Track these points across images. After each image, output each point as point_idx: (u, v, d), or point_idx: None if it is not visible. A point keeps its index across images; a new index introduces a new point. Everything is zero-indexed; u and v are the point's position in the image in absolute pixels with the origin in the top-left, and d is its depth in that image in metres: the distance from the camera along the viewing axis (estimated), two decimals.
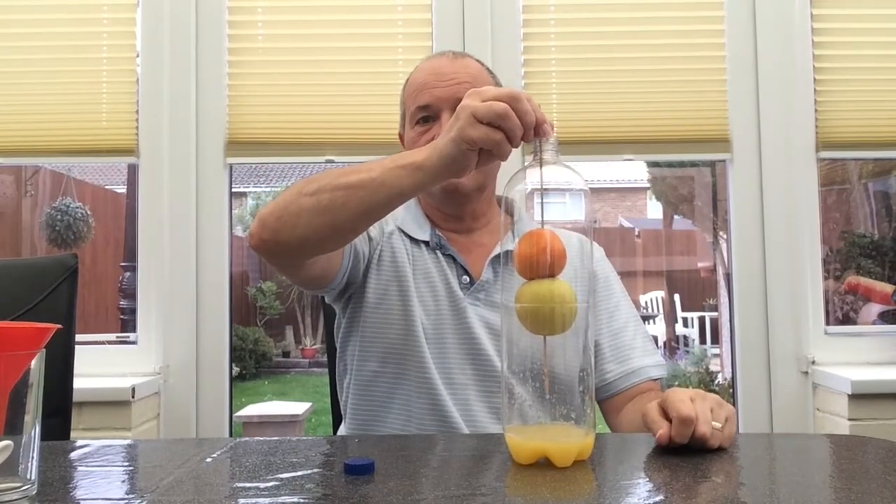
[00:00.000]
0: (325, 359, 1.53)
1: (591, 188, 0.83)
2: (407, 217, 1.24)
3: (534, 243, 0.78)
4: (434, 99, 1.15)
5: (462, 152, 0.86)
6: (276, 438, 0.91)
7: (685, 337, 7.35)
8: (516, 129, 0.83)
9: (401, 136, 1.27)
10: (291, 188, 0.98)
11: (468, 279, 1.18)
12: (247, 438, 0.96)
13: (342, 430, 1.24)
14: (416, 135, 1.18)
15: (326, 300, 1.25)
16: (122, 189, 5.23)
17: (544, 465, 0.75)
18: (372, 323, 1.17)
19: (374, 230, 1.20)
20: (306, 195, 0.95)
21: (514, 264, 0.80)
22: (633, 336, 1.20)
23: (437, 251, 1.20)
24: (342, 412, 1.25)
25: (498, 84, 1.23)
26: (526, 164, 0.82)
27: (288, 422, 4.71)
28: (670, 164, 6.63)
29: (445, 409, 1.11)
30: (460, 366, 1.14)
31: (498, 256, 0.88)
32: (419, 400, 1.13)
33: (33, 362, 0.67)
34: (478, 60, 1.23)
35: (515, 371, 0.80)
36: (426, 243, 1.21)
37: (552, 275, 0.78)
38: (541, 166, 0.81)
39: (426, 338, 1.14)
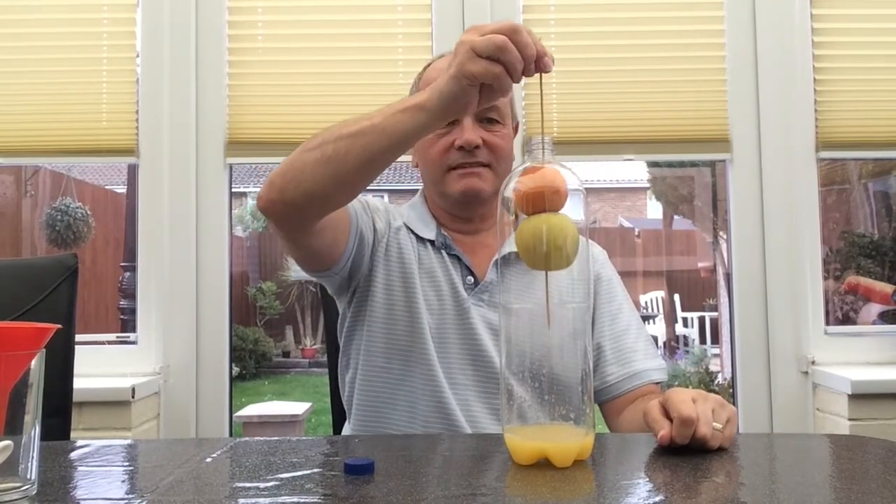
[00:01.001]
0: (325, 359, 1.53)
1: (591, 188, 0.83)
2: (413, 215, 1.24)
3: (535, 178, 0.78)
4: None
5: (463, 88, 0.85)
6: (276, 438, 0.91)
7: (685, 337, 7.35)
8: (516, 61, 0.82)
9: None
10: (298, 147, 0.98)
11: (472, 280, 1.18)
12: (247, 438, 0.96)
13: (347, 427, 1.24)
14: (434, 137, 1.16)
15: (329, 291, 1.24)
16: (122, 189, 5.24)
17: (544, 465, 0.75)
18: (379, 317, 1.16)
19: (380, 222, 1.20)
20: (310, 149, 0.95)
21: (515, 201, 0.79)
22: (635, 339, 1.20)
23: (443, 251, 1.20)
24: (346, 408, 1.24)
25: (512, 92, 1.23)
26: (524, 163, 0.82)
27: (288, 422, 4.70)
28: (670, 164, 6.63)
29: (449, 408, 1.12)
30: (461, 366, 1.14)
31: (503, 257, 0.88)
32: (424, 397, 1.13)
33: (33, 362, 0.67)
34: None
35: (515, 371, 0.80)
36: (432, 242, 1.21)
37: (553, 209, 0.77)
38: (542, 100, 0.81)
39: (430, 336, 1.14)
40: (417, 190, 1.31)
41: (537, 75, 0.85)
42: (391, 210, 1.25)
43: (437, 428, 1.11)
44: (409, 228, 1.22)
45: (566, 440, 0.76)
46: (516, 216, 0.80)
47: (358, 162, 0.93)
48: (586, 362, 0.79)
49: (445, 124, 0.95)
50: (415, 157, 1.25)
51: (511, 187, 0.80)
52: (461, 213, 1.22)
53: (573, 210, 0.79)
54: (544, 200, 0.77)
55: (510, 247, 0.82)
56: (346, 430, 1.24)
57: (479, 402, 1.13)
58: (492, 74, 0.83)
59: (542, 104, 0.86)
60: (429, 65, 1.24)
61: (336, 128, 0.95)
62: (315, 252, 1.10)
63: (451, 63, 0.86)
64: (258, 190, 1.02)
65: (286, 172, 0.97)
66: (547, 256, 0.77)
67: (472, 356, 1.15)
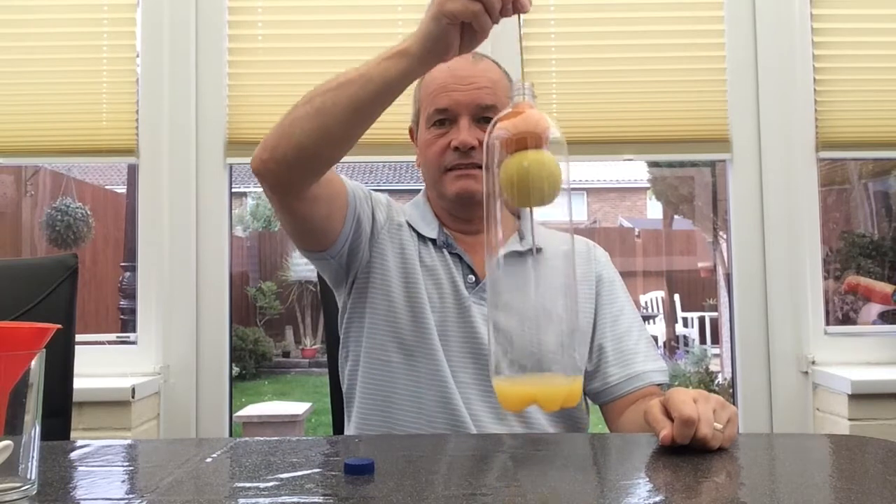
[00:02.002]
0: (325, 359, 1.53)
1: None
2: (415, 214, 1.24)
3: (516, 121, 0.79)
4: (453, 102, 1.15)
5: (443, 28, 0.87)
6: (276, 438, 0.91)
7: (685, 337, 7.34)
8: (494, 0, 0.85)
9: (411, 132, 1.27)
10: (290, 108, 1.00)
11: (473, 279, 1.18)
12: (247, 438, 0.96)
13: (348, 425, 1.23)
14: (432, 137, 1.17)
15: (327, 280, 1.24)
16: (122, 189, 5.23)
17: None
18: (381, 310, 1.16)
19: (380, 214, 1.20)
20: (300, 105, 0.98)
21: (499, 143, 0.80)
22: (636, 340, 1.20)
23: (444, 249, 1.20)
24: (345, 401, 1.24)
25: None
26: (504, 111, 0.82)
27: (288, 422, 4.70)
28: (670, 164, 6.63)
29: (454, 404, 1.12)
30: (463, 364, 1.14)
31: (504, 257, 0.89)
32: (429, 392, 1.13)
33: (33, 362, 0.66)
34: (495, 62, 1.22)
35: (503, 323, 0.80)
36: (433, 241, 1.21)
37: (535, 147, 0.79)
38: (521, 42, 0.87)
39: (436, 332, 1.14)
40: (418, 190, 1.31)
41: (520, 26, 0.89)
42: (394, 205, 1.25)
43: (442, 423, 1.12)
44: (411, 226, 1.22)
45: (553, 385, 0.77)
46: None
47: (345, 112, 0.95)
48: (574, 312, 0.80)
49: (429, 68, 0.96)
50: (418, 157, 1.25)
51: (497, 135, 0.81)
52: (460, 213, 1.22)
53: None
54: (526, 140, 0.78)
55: (514, 246, 0.82)
56: (349, 427, 1.23)
57: (480, 400, 1.13)
58: (470, 12, 0.85)
59: (521, 46, 0.88)
60: None
61: (325, 83, 0.97)
62: (310, 226, 1.10)
63: (431, 5, 0.88)
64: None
65: (277, 130, 0.99)
66: (530, 190, 0.78)
67: (473, 354, 1.15)
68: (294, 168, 0.99)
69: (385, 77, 0.92)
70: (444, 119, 1.16)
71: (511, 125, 0.79)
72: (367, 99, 0.94)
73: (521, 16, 0.88)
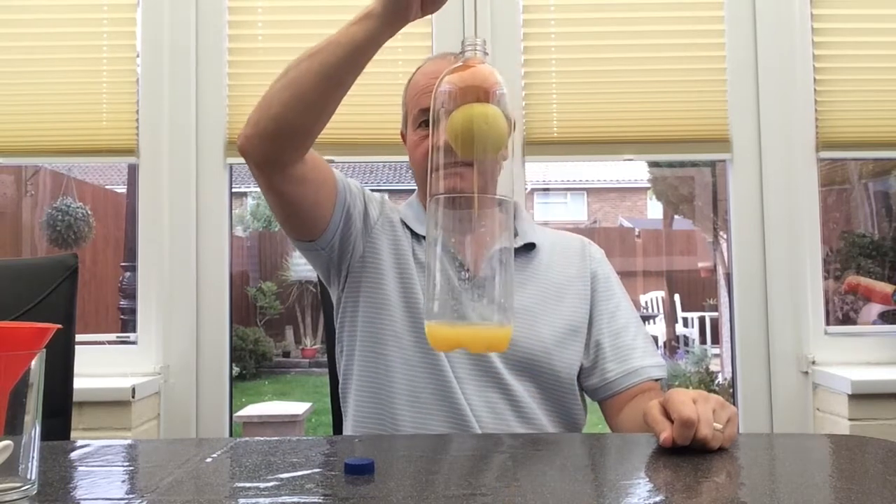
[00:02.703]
0: (325, 359, 1.53)
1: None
2: (409, 213, 1.25)
3: (464, 75, 0.80)
4: None
5: None
6: (276, 438, 0.91)
7: (685, 337, 7.34)
8: None
9: (403, 135, 1.28)
10: None
11: (467, 275, 1.19)
12: (247, 438, 0.96)
13: (348, 417, 1.23)
14: (418, 138, 1.18)
15: (319, 274, 1.24)
16: (122, 189, 5.23)
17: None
18: (374, 303, 1.17)
19: (373, 210, 1.21)
20: (278, 79, 1.01)
21: (447, 96, 0.81)
22: (633, 336, 1.20)
23: None
24: (341, 397, 1.24)
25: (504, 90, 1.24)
26: (455, 65, 0.82)
27: (288, 422, 4.70)
28: (670, 164, 6.62)
29: (455, 398, 1.12)
30: (460, 359, 1.15)
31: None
32: (429, 387, 1.13)
33: (33, 362, 0.67)
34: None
35: (438, 271, 0.81)
36: None
37: (484, 100, 0.80)
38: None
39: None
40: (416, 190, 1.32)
41: None
42: (388, 203, 1.26)
43: (440, 416, 1.12)
44: (405, 224, 1.23)
45: (482, 331, 0.79)
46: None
47: (317, 79, 0.97)
48: (506, 260, 0.81)
49: (394, 30, 0.98)
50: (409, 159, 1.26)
51: (442, 90, 0.81)
52: None
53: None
54: (472, 94, 0.79)
55: (504, 242, 0.83)
56: (346, 421, 1.23)
57: (477, 395, 1.13)
58: None
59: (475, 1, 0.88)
60: (419, 68, 1.25)
61: (299, 55, 1.00)
62: (298, 211, 1.11)
63: None
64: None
65: (259, 105, 1.02)
66: (474, 141, 0.80)
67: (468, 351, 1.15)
68: (276, 140, 1.01)
69: (352, 41, 0.96)
70: (428, 119, 1.17)
71: (458, 78, 0.80)
72: (337, 64, 0.97)
73: None
